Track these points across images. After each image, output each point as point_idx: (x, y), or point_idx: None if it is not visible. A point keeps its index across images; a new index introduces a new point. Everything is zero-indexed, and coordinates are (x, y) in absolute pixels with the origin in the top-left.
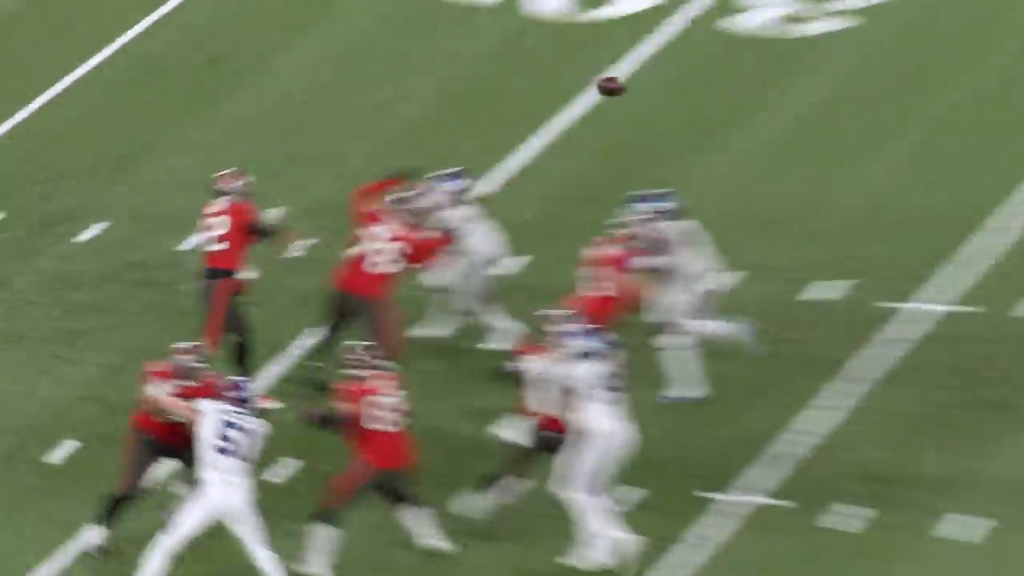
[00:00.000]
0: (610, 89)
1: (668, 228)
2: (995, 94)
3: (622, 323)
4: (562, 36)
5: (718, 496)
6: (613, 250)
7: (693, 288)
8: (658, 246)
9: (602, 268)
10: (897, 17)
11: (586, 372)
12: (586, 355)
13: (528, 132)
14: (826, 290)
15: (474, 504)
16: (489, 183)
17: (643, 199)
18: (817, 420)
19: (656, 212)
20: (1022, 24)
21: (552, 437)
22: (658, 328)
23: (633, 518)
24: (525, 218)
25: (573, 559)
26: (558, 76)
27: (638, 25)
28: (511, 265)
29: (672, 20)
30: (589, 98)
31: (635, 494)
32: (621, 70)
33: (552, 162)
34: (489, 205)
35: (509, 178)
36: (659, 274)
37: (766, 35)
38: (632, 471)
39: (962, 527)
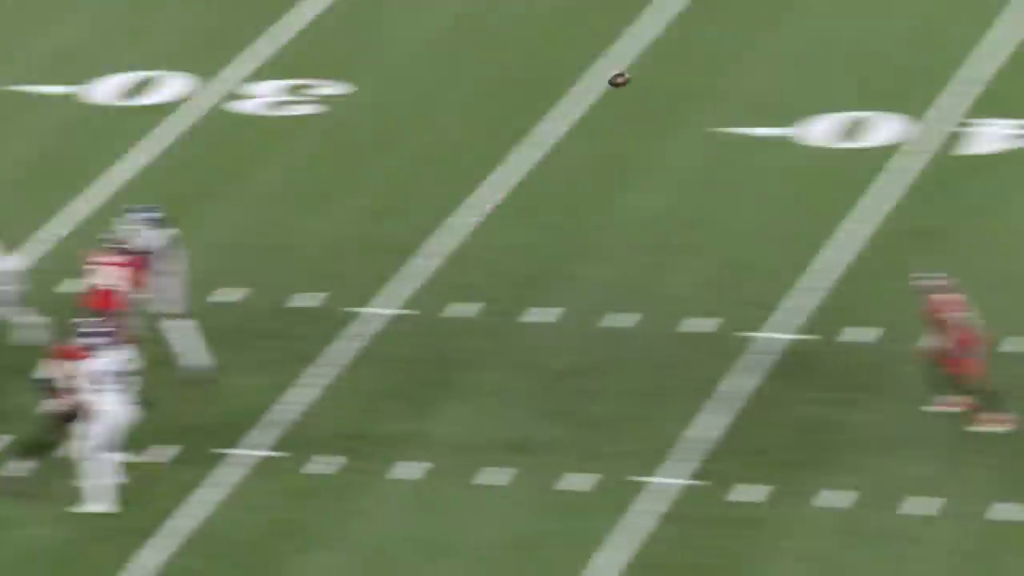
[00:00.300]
0: (617, 83)
1: (155, 234)
2: (438, 151)
3: (129, 312)
4: (111, 118)
5: (231, 451)
6: (113, 253)
7: (178, 281)
8: (147, 248)
9: (104, 268)
10: (351, 103)
11: (97, 365)
12: (97, 350)
13: (87, 187)
14: (307, 300)
15: (15, 464)
16: (64, 224)
17: (133, 211)
18: (302, 394)
19: (144, 221)
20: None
21: (75, 413)
22: (159, 315)
23: (168, 469)
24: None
25: (84, 507)
26: (110, 146)
27: (166, 109)
28: (74, 285)
29: (192, 105)
30: (135, 163)
31: (169, 451)
32: (159, 141)
33: (115, 208)
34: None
35: (79, 220)
36: (150, 270)
37: (262, 115)
38: (166, 434)
39: (411, 470)
